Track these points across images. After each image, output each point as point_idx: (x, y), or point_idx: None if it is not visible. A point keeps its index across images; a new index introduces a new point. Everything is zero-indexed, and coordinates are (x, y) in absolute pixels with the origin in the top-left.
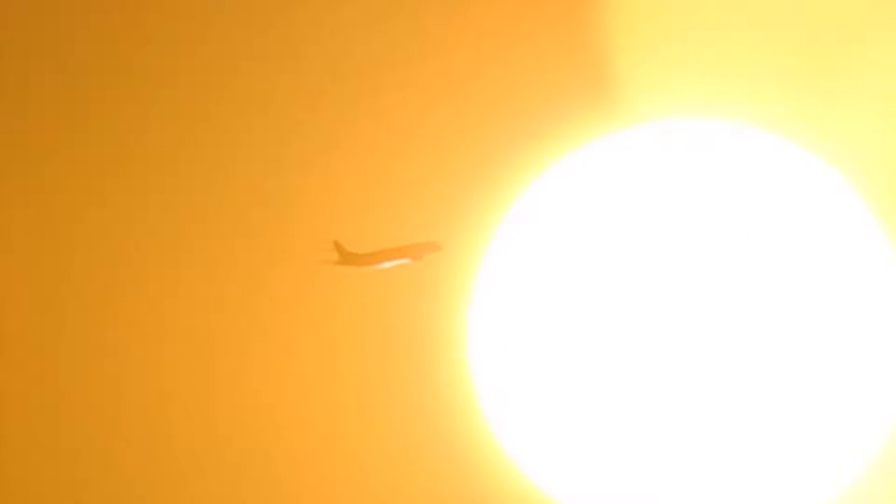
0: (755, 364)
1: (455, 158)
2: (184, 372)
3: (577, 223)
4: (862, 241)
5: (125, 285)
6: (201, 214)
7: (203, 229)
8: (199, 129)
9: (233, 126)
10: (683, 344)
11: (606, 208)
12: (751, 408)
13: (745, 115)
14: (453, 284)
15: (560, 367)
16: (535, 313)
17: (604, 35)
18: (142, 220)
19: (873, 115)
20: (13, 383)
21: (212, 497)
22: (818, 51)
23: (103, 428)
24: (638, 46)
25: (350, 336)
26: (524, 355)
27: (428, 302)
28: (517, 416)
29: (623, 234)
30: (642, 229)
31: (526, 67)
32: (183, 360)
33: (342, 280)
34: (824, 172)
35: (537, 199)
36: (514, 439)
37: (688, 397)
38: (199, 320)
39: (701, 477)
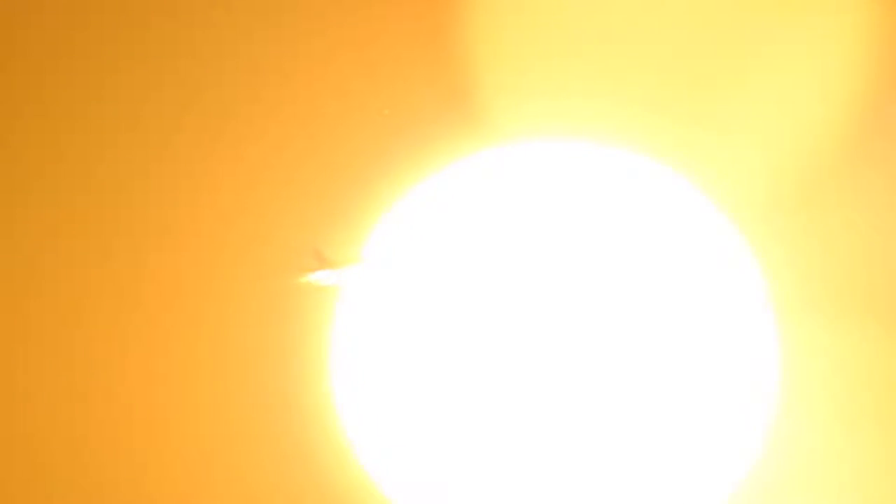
0: (620, 384)
1: (314, 180)
2: (47, 373)
3: (439, 244)
4: (730, 264)
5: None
6: (70, 212)
7: (70, 228)
8: (68, 124)
9: (101, 125)
10: (552, 364)
11: (469, 230)
12: (619, 428)
13: (614, 137)
14: (314, 304)
15: (423, 383)
16: (396, 333)
17: (467, 54)
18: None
19: (746, 139)
20: None
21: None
22: (689, 73)
23: None
24: (503, 66)
25: (210, 343)
26: (386, 372)
27: (289, 320)
28: (375, 428)
29: (487, 256)
30: (507, 251)
31: (385, 88)
32: (48, 360)
33: (208, 286)
34: (693, 195)
35: (398, 221)
36: (371, 453)
37: (559, 417)
38: (65, 321)
39: (569, 490)
